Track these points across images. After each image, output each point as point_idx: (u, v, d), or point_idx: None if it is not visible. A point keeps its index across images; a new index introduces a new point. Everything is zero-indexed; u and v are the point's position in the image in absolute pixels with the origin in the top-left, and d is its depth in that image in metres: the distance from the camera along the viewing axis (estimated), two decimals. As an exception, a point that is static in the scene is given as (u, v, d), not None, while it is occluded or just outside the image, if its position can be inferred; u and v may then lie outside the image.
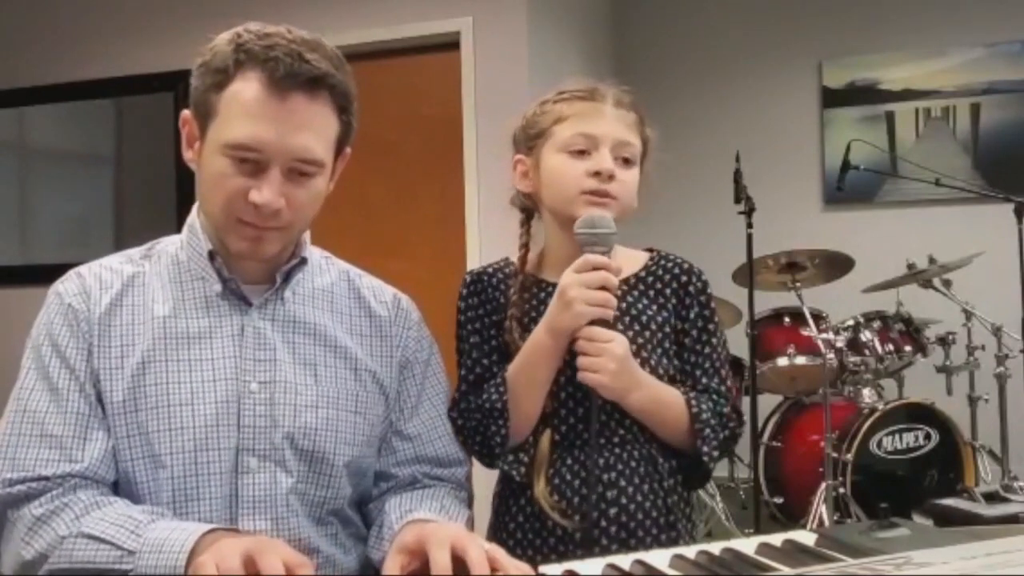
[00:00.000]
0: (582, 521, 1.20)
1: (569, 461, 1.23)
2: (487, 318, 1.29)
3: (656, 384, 1.22)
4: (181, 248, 1.15)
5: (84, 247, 4.09)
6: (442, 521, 1.05)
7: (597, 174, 1.21)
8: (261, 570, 0.83)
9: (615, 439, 1.23)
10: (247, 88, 1.02)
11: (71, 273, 1.12)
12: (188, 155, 1.11)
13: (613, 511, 1.21)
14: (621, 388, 1.18)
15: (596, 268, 1.16)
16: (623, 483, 1.23)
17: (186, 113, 1.10)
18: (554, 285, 1.26)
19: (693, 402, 1.23)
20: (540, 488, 1.22)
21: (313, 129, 1.04)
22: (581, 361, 1.17)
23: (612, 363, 1.16)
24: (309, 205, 1.09)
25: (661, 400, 1.22)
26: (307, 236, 1.19)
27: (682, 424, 1.23)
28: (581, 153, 1.23)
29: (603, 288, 1.16)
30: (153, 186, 3.94)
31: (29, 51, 4.19)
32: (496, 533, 1.29)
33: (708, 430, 1.23)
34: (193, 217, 1.15)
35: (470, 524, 1.20)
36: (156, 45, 3.83)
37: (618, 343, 1.17)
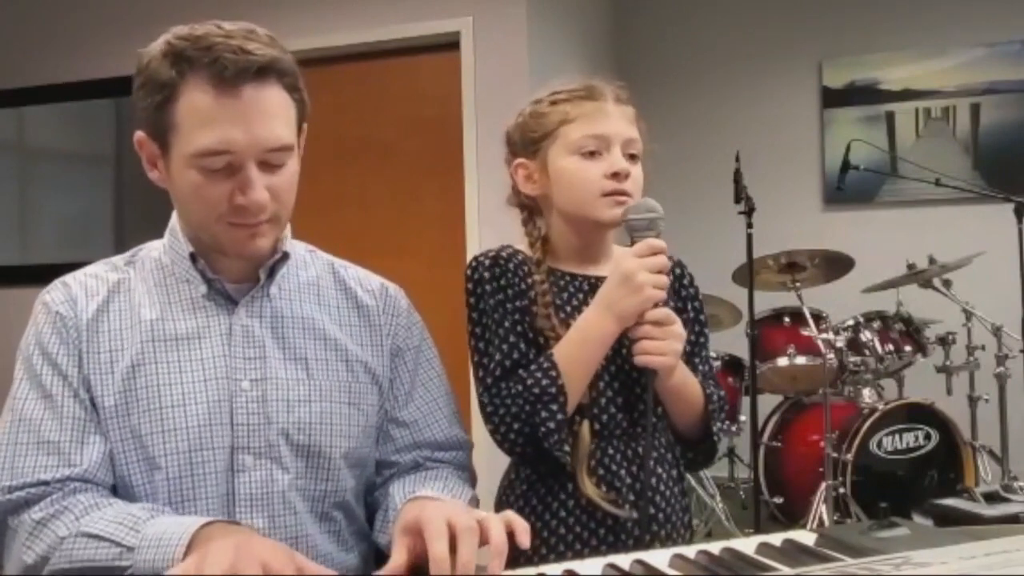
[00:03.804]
0: (640, 510, 1.20)
1: (611, 451, 1.23)
2: (512, 303, 1.25)
3: (683, 365, 1.25)
4: (164, 252, 1.15)
5: (84, 247, 4.09)
6: (444, 498, 1.05)
7: (615, 175, 1.21)
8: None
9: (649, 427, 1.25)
10: (199, 95, 1.00)
11: (56, 282, 1.12)
12: (153, 175, 1.10)
13: (657, 497, 1.24)
14: (674, 369, 1.21)
15: (657, 252, 1.18)
16: (660, 470, 1.26)
17: (140, 135, 1.08)
18: (570, 274, 1.27)
19: (704, 386, 1.27)
20: (585, 482, 1.20)
21: (274, 116, 1.03)
22: (646, 344, 1.17)
23: (679, 344, 1.18)
24: (289, 190, 1.09)
25: (687, 381, 1.25)
26: (288, 231, 1.19)
27: (699, 406, 1.26)
28: (592, 154, 1.23)
29: (660, 272, 1.18)
30: (153, 186, 3.91)
31: (29, 51, 4.19)
32: (536, 532, 1.21)
33: (717, 411, 1.28)
34: (173, 221, 1.15)
35: (474, 504, 1.19)
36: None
37: (680, 324, 1.19)
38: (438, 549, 0.88)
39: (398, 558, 0.92)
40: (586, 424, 1.22)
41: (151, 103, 1.03)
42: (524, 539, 0.90)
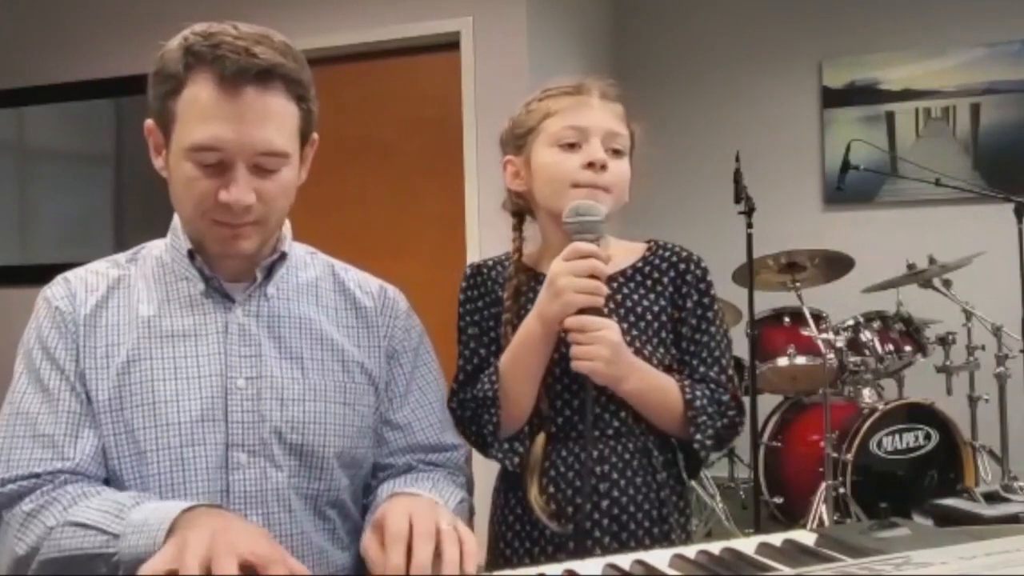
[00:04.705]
0: (575, 515, 1.20)
1: (564, 453, 1.23)
2: (486, 310, 1.30)
3: (650, 371, 1.21)
4: (165, 250, 1.16)
5: (84, 247, 4.08)
6: (421, 494, 1.05)
7: (590, 165, 1.20)
8: (215, 570, 0.82)
9: (609, 431, 1.23)
10: (200, 90, 1.02)
11: (58, 278, 1.14)
12: (158, 163, 1.12)
13: (605, 503, 1.22)
14: (615, 375, 1.17)
15: (585, 256, 1.15)
16: (615, 476, 1.22)
17: (149, 122, 1.10)
18: None
19: (687, 389, 1.21)
20: (533, 492, 1.22)
21: (271, 121, 1.04)
22: (574, 350, 1.15)
23: (605, 350, 1.14)
24: (281, 197, 1.09)
25: (656, 387, 1.21)
26: (287, 231, 1.19)
27: (677, 411, 1.21)
28: (572, 146, 1.22)
29: (592, 276, 1.14)
30: (153, 186, 3.90)
31: (29, 51, 4.19)
32: (496, 526, 1.30)
33: (704, 417, 1.21)
34: (175, 219, 1.16)
35: (466, 506, 1.20)
36: (156, 46, 3.82)
37: (610, 330, 1.15)
38: (396, 545, 0.90)
39: (371, 552, 0.95)
40: (541, 436, 1.24)
41: (159, 92, 1.06)
42: (468, 565, 0.91)
